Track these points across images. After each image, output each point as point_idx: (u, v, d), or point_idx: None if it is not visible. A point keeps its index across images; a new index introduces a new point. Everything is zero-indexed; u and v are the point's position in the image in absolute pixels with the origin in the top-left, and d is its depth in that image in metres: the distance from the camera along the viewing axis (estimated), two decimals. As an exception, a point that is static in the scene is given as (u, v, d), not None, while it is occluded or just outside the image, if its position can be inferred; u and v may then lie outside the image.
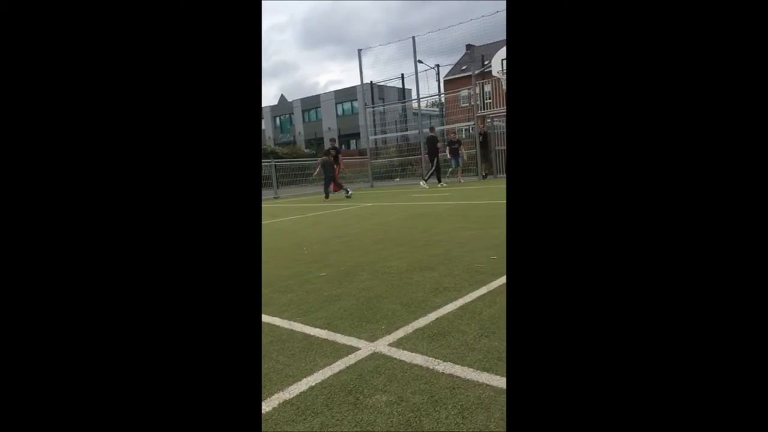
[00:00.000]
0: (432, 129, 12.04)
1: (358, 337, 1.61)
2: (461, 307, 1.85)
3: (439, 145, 11.11)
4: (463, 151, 11.72)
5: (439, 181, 10.96)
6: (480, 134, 11.66)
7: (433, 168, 10.90)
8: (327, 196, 9.35)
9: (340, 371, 1.36)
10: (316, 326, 1.75)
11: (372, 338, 1.59)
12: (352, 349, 1.51)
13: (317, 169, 10.04)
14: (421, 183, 10.92)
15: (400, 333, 1.62)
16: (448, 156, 11.56)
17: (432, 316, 1.77)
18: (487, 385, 1.21)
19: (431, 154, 11.02)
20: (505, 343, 1.46)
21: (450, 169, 11.92)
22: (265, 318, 1.90)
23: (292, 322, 1.82)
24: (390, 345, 1.52)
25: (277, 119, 37.51)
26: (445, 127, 16.77)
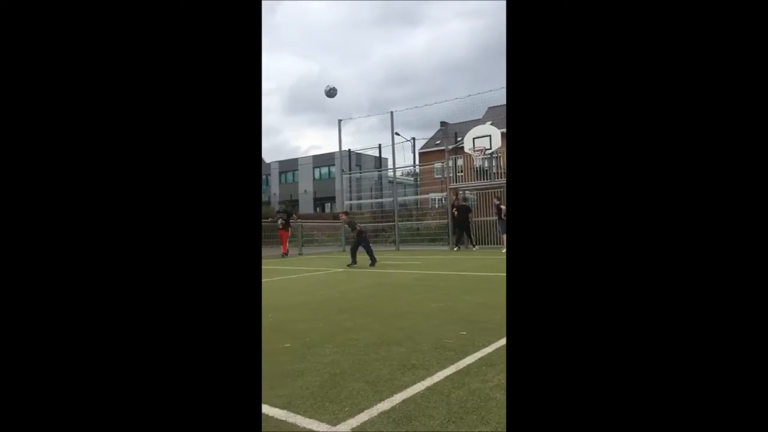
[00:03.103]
0: (462, 198, 11.92)
1: (320, 420, 1.51)
2: (428, 388, 1.79)
3: (470, 215, 11.50)
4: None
5: (460, 246, 11.35)
6: (453, 206, 12.00)
7: (467, 236, 11.29)
8: (354, 262, 7.72)
9: (297, 460, 1.26)
10: (275, 405, 1.65)
11: (334, 421, 1.50)
12: (312, 434, 1.41)
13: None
14: (473, 248, 11.33)
15: (363, 416, 1.54)
16: (497, 219, 10.68)
17: (398, 398, 1.69)
18: (453, 479, 1.15)
19: (463, 224, 11.31)
20: (474, 430, 1.40)
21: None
22: (221, 394, 1.78)
23: (249, 400, 1.71)
24: (353, 430, 1.44)
25: (254, 179, 37.68)
26: (419, 196, 17.25)
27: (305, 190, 33.87)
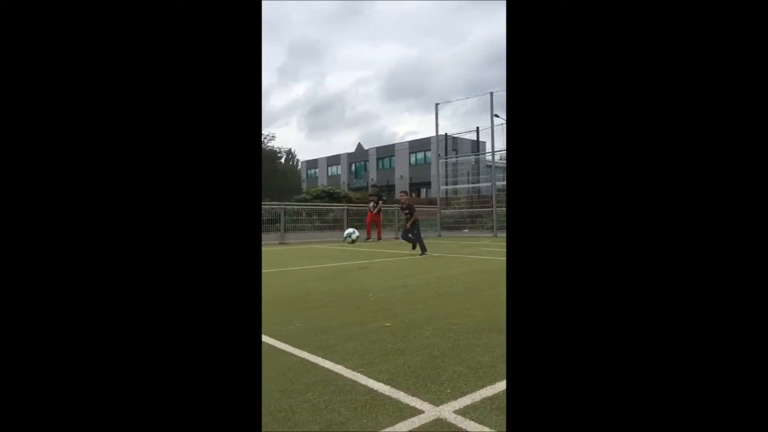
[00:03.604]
0: None
1: (422, 399, 1.54)
2: (533, 379, 1.72)
3: None
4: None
5: None
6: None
7: None
8: (415, 247, 7.51)
9: (402, 434, 1.30)
10: (379, 380, 1.72)
11: (436, 401, 1.52)
12: (416, 411, 1.45)
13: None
14: None
15: (466, 400, 1.54)
16: None
17: (501, 385, 1.66)
18: (564, 475, 1.09)
19: None
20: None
21: None
22: (328, 365, 1.91)
23: (355, 373, 1.81)
24: (455, 412, 1.45)
25: (353, 165, 39.32)
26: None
27: (401, 176, 34.34)
